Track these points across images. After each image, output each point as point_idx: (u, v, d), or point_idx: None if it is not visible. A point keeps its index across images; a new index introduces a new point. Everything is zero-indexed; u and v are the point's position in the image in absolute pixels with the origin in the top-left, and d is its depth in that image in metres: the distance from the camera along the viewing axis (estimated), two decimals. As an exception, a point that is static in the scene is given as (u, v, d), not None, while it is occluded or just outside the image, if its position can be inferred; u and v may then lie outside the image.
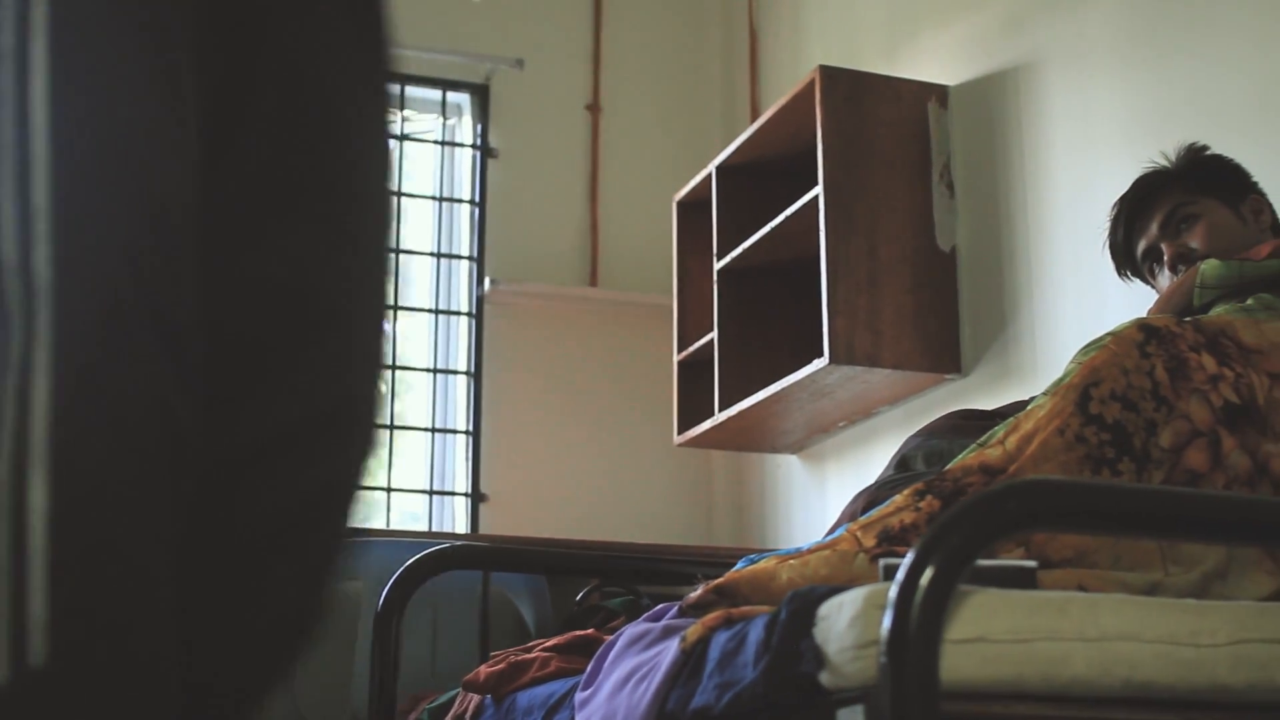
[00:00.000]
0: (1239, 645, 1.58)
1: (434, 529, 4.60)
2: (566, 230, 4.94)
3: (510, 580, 3.68)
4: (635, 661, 1.96)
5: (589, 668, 2.13)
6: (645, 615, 2.13)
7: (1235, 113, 2.95)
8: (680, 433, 4.30)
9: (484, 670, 2.65)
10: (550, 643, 2.66)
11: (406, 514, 4.76)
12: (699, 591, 2.02)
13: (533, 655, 2.61)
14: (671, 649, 1.86)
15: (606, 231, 4.96)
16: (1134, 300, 2.79)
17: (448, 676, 3.54)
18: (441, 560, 3.13)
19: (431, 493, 4.68)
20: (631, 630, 2.07)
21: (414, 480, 4.73)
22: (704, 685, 1.74)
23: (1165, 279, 2.60)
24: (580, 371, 4.83)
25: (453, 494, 4.69)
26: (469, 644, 3.63)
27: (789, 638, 1.59)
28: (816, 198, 3.65)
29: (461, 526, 4.61)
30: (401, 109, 4.88)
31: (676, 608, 2.08)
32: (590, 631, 2.69)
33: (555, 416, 4.78)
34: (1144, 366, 2.01)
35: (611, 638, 2.13)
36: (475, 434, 4.68)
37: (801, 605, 1.60)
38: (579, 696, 2.09)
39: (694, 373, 4.31)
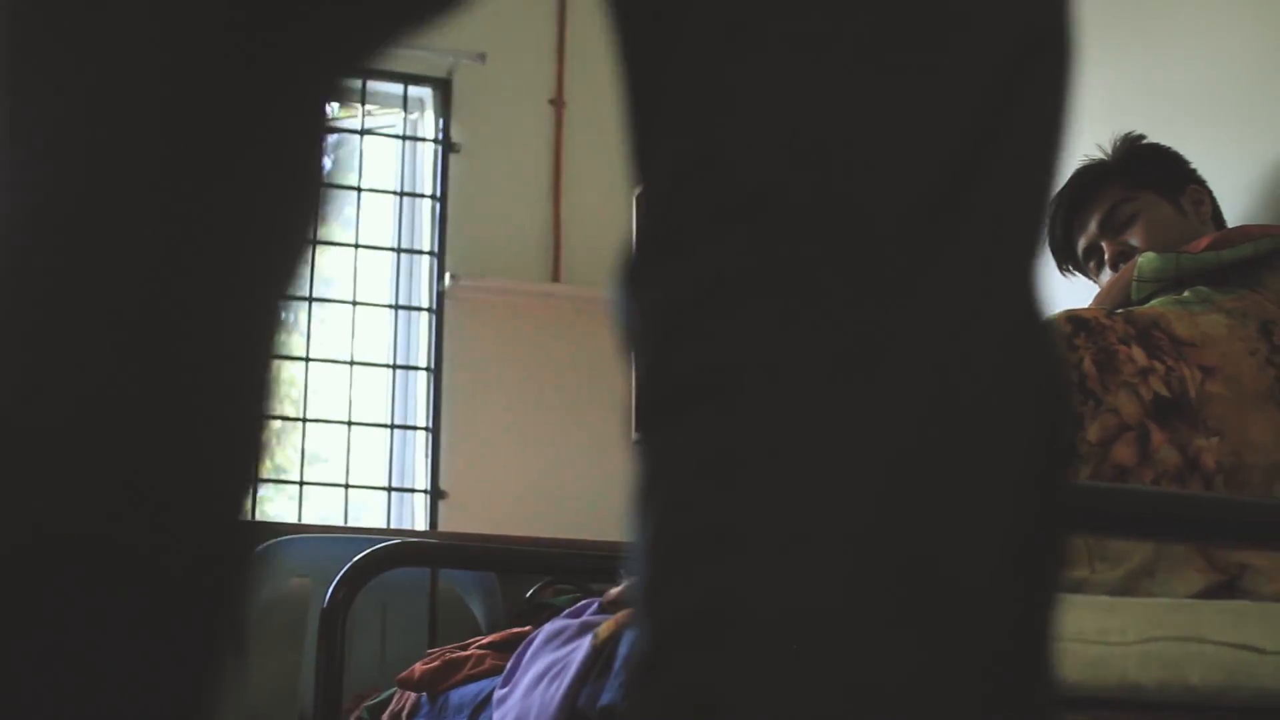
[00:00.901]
0: (1149, 644, 1.55)
1: (393, 526, 4.56)
2: (529, 225, 4.90)
3: (461, 578, 3.66)
4: (550, 659, 1.93)
5: (509, 664, 2.10)
6: (566, 611, 2.10)
7: (1188, 102, 2.92)
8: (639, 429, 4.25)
9: (419, 668, 2.63)
10: (486, 640, 2.63)
11: (365, 511, 4.72)
12: (620, 587, 1.99)
13: (468, 653, 2.58)
14: (584, 646, 1.83)
15: (570, 227, 4.92)
16: (1088, 293, 2.75)
17: (397, 674, 3.51)
18: (388, 558, 3.09)
19: (390, 489, 4.64)
20: (549, 627, 2.04)
21: (372, 477, 4.69)
22: (611, 682, 1.71)
23: (1107, 276, 2.57)
24: (542, 367, 4.79)
25: (412, 491, 4.65)
26: (419, 642, 3.61)
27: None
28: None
29: (420, 523, 4.57)
30: (363, 103, 4.84)
31: (597, 604, 2.05)
32: (528, 629, 2.66)
33: (516, 413, 4.74)
34: (1071, 359, 1.98)
35: (531, 635, 2.10)
36: (435, 430, 4.64)
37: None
38: (498, 694, 2.06)
39: (654, 369, 4.26)
